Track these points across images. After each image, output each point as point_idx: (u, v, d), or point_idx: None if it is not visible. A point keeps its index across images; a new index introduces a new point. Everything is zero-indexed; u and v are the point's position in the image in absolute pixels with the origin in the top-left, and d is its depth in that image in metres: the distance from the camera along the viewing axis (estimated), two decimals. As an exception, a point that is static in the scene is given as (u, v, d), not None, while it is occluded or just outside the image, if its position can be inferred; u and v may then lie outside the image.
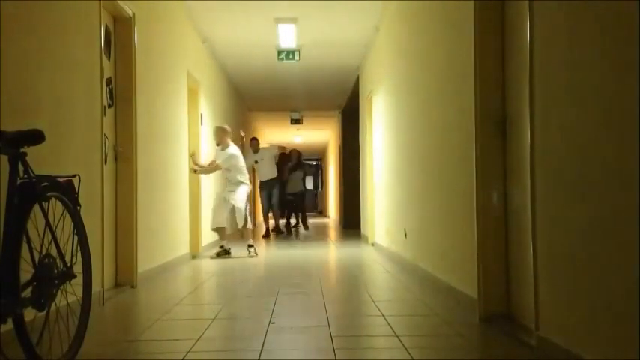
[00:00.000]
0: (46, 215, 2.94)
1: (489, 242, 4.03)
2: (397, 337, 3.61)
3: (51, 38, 4.08)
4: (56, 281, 2.97)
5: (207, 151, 10.19)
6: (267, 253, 9.48)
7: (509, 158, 3.96)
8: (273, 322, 4.06)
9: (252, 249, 8.99)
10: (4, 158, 3.31)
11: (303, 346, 3.47)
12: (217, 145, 8.94)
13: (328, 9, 8.53)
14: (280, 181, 13.88)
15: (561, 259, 2.93)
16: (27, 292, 2.80)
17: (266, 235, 13.34)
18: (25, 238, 2.76)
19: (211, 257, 8.69)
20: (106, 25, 5.53)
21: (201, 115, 9.61)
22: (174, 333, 3.87)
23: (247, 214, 8.97)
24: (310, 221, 20.27)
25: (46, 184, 2.92)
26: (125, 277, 5.75)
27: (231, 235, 9.31)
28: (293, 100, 16.13)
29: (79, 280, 3.20)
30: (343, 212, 17.51)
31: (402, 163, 7.24)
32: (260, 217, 17.92)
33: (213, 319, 4.24)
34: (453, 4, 4.69)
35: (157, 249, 6.76)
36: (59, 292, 3.02)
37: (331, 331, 3.79)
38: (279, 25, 9.16)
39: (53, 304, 2.98)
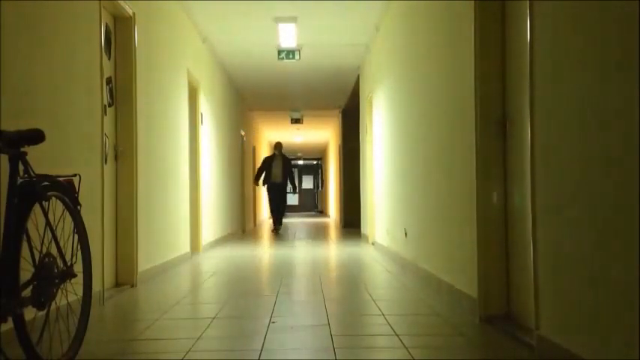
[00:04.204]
0: (46, 214, 2.94)
1: (489, 242, 4.03)
2: (397, 336, 3.61)
3: (51, 38, 4.08)
4: (56, 280, 2.97)
5: (210, 152, 10.19)
6: (267, 253, 9.47)
7: (509, 158, 3.96)
8: (273, 322, 4.06)
9: None
10: (4, 158, 3.32)
11: (304, 346, 3.47)
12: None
13: (328, 8, 8.53)
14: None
15: (561, 258, 2.93)
16: (27, 292, 2.80)
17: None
18: (25, 238, 2.76)
19: None
20: (106, 25, 5.53)
21: (202, 114, 9.62)
22: (175, 332, 3.87)
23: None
24: (310, 221, 20.26)
25: (46, 183, 2.92)
26: (125, 277, 5.76)
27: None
28: (293, 100, 16.14)
29: (79, 279, 3.20)
30: (343, 212, 17.52)
31: (402, 163, 7.24)
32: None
33: (214, 318, 4.24)
34: (454, 4, 4.69)
35: (158, 248, 6.76)
36: (59, 291, 3.02)
37: (331, 330, 3.80)
38: (279, 24, 9.16)
39: (53, 304, 2.98)
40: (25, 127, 3.59)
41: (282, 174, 15.09)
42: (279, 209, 15.41)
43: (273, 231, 15.45)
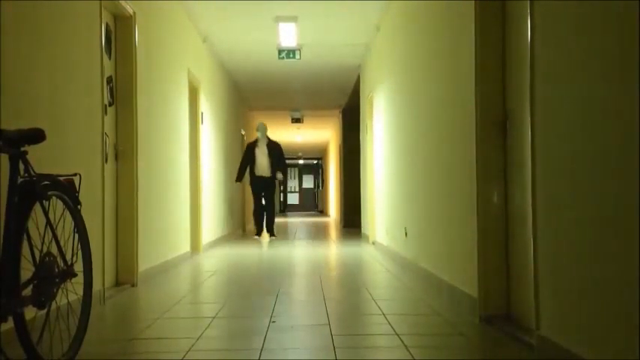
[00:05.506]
0: (46, 214, 2.95)
1: (489, 242, 4.03)
2: (398, 336, 3.61)
3: (51, 37, 4.09)
4: (57, 280, 2.98)
5: (210, 151, 10.20)
6: (268, 252, 9.48)
7: (509, 158, 3.96)
8: (273, 321, 4.06)
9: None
10: (5, 157, 3.32)
11: (304, 345, 3.47)
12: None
13: (329, 8, 8.54)
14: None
15: (561, 258, 2.93)
16: (27, 291, 2.80)
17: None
18: (25, 237, 2.77)
19: None
20: (107, 24, 5.53)
21: (202, 113, 9.62)
22: (175, 332, 3.87)
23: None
24: (310, 220, 20.29)
25: (46, 182, 2.92)
26: (126, 276, 5.76)
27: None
28: (294, 99, 16.14)
29: (79, 278, 3.20)
30: (343, 211, 17.52)
31: (402, 163, 7.24)
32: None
33: (214, 317, 4.25)
34: (454, 4, 4.69)
35: (158, 247, 6.77)
36: (60, 290, 3.02)
37: (332, 330, 3.80)
38: (279, 23, 9.16)
39: (53, 303, 2.98)
40: (26, 126, 3.59)
41: (270, 165, 11.64)
42: (268, 212, 12.00)
43: (255, 238, 12.11)
